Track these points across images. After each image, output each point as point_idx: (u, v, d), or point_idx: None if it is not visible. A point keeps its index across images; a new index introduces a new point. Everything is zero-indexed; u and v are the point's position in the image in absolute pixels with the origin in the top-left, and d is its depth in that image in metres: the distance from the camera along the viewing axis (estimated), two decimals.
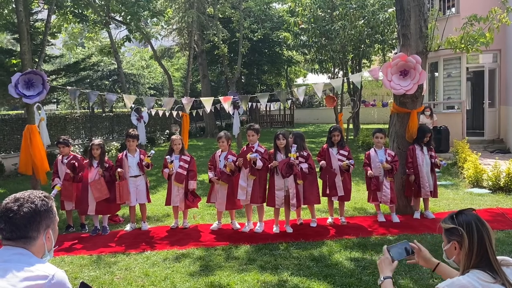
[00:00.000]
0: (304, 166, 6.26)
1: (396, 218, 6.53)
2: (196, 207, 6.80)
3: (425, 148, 6.74)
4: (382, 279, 2.20)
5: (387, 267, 2.22)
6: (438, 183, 7.31)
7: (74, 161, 6.57)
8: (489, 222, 6.17)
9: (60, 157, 6.81)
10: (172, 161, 6.48)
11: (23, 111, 20.96)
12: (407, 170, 6.70)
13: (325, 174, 6.55)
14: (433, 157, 6.78)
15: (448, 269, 2.32)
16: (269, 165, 6.13)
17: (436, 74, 15.19)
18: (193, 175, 6.54)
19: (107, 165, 6.53)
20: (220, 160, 6.41)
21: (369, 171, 6.53)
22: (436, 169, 6.92)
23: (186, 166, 6.49)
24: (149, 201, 6.82)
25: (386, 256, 2.25)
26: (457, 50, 7.09)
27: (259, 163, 6.07)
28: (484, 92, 14.07)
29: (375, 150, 6.66)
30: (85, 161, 6.67)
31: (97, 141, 6.64)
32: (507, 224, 6.00)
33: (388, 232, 5.96)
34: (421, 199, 6.81)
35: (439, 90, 14.89)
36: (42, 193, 1.89)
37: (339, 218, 6.61)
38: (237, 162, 6.23)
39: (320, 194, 6.58)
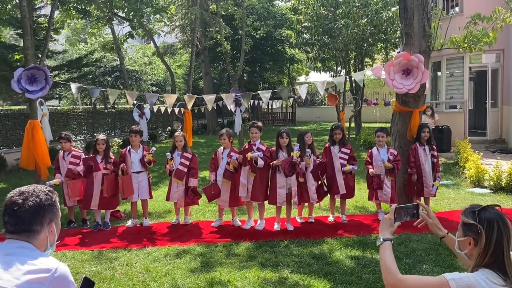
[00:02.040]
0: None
1: None
2: (196, 205, 6.82)
3: (427, 148, 6.73)
4: (381, 240, 2.12)
5: (388, 228, 2.15)
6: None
7: (90, 162, 6.51)
8: None
9: (61, 152, 6.82)
10: (172, 158, 6.50)
11: (25, 106, 21.00)
12: (409, 170, 6.70)
13: (328, 172, 6.57)
14: (435, 156, 6.77)
15: (455, 240, 2.26)
16: (271, 163, 6.14)
17: (439, 73, 15.17)
18: (194, 172, 6.55)
19: (111, 160, 6.56)
20: (223, 158, 6.42)
21: (370, 170, 6.54)
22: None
23: (187, 163, 6.50)
24: (151, 197, 6.84)
25: (390, 216, 2.16)
26: (460, 49, 7.07)
27: (260, 162, 6.08)
28: (486, 92, 14.04)
29: (377, 149, 6.66)
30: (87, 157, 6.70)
31: (101, 136, 6.69)
32: None
33: None
34: (422, 198, 6.82)
35: (441, 89, 14.87)
36: (46, 188, 1.90)
37: (340, 216, 6.63)
38: (238, 159, 6.25)
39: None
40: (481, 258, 1.92)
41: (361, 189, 8.35)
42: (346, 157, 6.55)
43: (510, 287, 1.86)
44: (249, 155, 6.08)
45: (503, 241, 1.91)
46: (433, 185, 6.69)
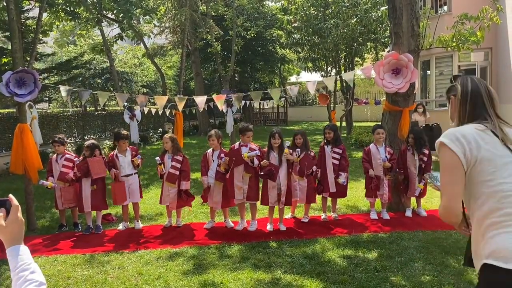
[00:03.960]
0: (314, 168, 6.38)
1: (386, 215, 6.57)
2: (189, 206, 6.80)
3: (416, 153, 6.72)
4: None
5: None
6: (429, 180, 7.36)
7: (86, 164, 6.40)
8: None
9: (54, 156, 6.79)
10: (161, 163, 6.43)
11: (14, 110, 20.80)
12: (397, 169, 6.72)
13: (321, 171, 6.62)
14: (423, 161, 6.68)
15: None
16: (261, 163, 6.12)
17: (428, 72, 15.28)
18: (186, 175, 6.47)
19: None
20: (213, 160, 6.40)
21: (370, 171, 6.53)
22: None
23: (179, 166, 6.45)
24: (141, 196, 6.81)
25: None
26: (449, 48, 7.14)
27: (256, 161, 6.07)
28: None
29: (376, 147, 6.67)
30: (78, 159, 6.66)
31: (88, 142, 6.64)
32: None
33: (381, 229, 6.00)
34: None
35: (431, 88, 14.98)
36: None
37: (331, 214, 6.66)
38: (225, 161, 6.22)
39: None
40: (463, 111, 2.03)
41: (353, 188, 8.40)
42: (338, 157, 6.57)
43: (491, 130, 1.94)
44: (245, 155, 6.06)
45: (480, 92, 2.01)
46: (417, 187, 6.71)
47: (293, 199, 6.41)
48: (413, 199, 6.92)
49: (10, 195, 1.58)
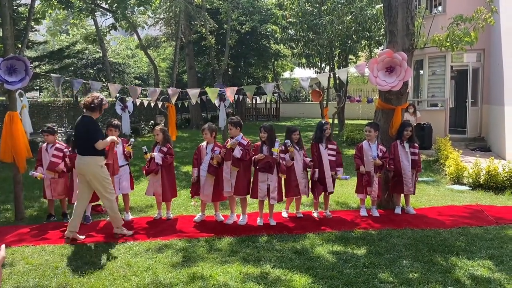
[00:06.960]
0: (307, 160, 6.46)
1: (376, 212, 6.60)
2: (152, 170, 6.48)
3: (407, 145, 6.77)
4: None
5: None
6: (419, 179, 7.39)
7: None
8: (468, 218, 6.26)
9: (44, 145, 6.72)
10: (146, 152, 6.47)
11: (4, 98, 20.54)
12: (387, 166, 6.72)
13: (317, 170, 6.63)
14: (415, 154, 6.82)
15: None
16: (254, 157, 6.13)
17: (421, 71, 15.36)
18: (167, 155, 6.47)
19: None
20: (207, 153, 6.37)
21: (362, 168, 6.56)
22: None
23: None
24: (132, 188, 6.78)
25: None
26: (443, 48, 7.17)
27: (236, 152, 6.04)
28: (467, 90, 14.29)
29: (368, 144, 6.69)
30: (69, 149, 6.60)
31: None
32: (485, 221, 6.12)
33: (370, 226, 6.04)
34: (402, 195, 6.89)
35: (423, 87, 15.07)
36: None
37: (324, 211, 6.66)
38: (220, 154, 6.22)
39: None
40: None
41: (343, 185, 8.43)
42: (334, 153, 6.57)
43: None
44: (229, 144, 6.08)
45: None
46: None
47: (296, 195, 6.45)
48: (402, 197, 6.96)
49: (3, 246, 1.53)
